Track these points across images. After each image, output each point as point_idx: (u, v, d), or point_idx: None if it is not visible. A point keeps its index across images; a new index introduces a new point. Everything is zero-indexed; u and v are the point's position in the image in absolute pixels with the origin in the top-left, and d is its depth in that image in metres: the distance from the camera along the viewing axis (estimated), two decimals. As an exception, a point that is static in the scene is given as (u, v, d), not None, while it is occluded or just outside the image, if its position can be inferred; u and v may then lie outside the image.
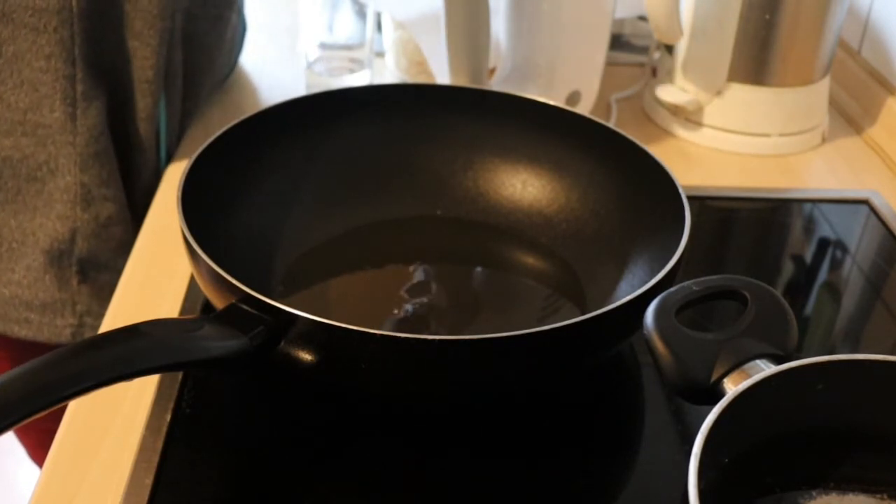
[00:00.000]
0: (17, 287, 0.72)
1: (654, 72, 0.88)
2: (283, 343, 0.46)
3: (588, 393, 0.55)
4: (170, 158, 0.77)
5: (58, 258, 0.71)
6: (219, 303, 0.50)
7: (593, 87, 0.81)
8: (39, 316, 0.73)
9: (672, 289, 0.46)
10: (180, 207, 0.53)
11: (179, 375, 0.54)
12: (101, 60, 0.68)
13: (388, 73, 0.89)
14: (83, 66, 0.66)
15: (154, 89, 0.71)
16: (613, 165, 0.64)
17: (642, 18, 0.97)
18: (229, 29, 0.85)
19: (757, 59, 0.78)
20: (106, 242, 0.71)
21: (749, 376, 0.40)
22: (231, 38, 0.86)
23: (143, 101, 0.71)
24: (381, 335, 0.44)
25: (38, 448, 0.94)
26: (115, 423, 0.52)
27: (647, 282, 0.49)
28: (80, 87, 0.67)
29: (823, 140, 0.84)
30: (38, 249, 0.71)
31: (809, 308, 0.65)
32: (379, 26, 0.90)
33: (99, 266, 0.72)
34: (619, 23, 0.98)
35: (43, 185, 0.69)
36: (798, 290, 0.67)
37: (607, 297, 0.59)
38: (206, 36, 0.80)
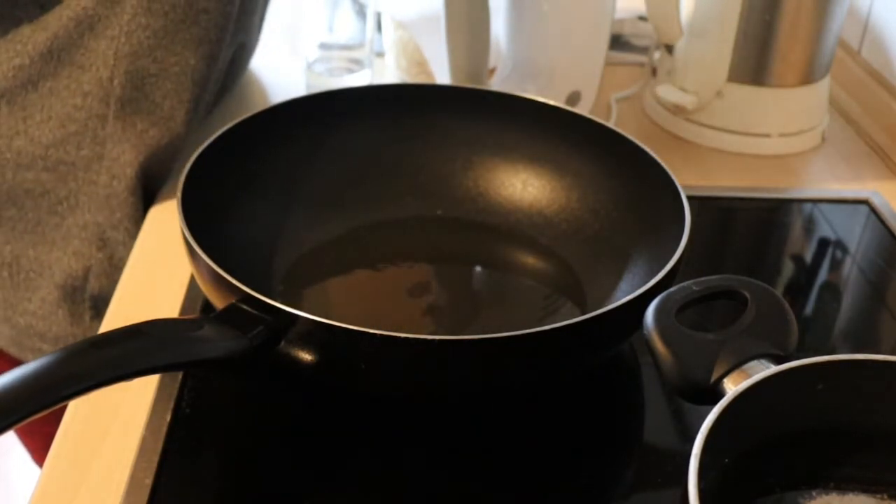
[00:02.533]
0: (31, 317, 0.72)
1: (654, 72, 0.88)
2: (283, 343, 0.46)
3: (588, 393, 0.55)
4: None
5: (71, 294, 0.71)
6: (219, 303, 0.50)
7: (593, 87, 0.81)
8: (52, 347, 0.73)
9: (672, 289, 0.46)
10: (180, 207, 0.53)
11: (179, 375, 0.54)
12: (135, 106, 0.67)
13: (388, 73, 0.89)
14: (116, 107, 0.66)
15: (181, 135, 0.70)
16: (613, 165, 0.64)
17: (642, 18, 0.97)
18: (251, 53, 0.87)
19: (757, 59, 0.78)
20: (116, 284, 0.71)
21: (749, 376, 0.40)
22: (251, 57, 0.89)
23: (171, 146, 0.70)
24: (381, 335, 0.44)
25: (43, 451, 0.94)
26: (115, 423, 0.52)
27: (647, 282, 0.49)
28: (109, 129, 0.67)
29: (823, 140, 0.84)
30: (52, 283, 0.71)
31: (809, 308, 0.65)
32: (379, 26, 0.90)
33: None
34: (619, 23, 0.98)
35: (62, 220, 0.70)
36: (798, 290, 0.67)
37: (607, 297, 0.59)
38: (244, 62, 0.81)
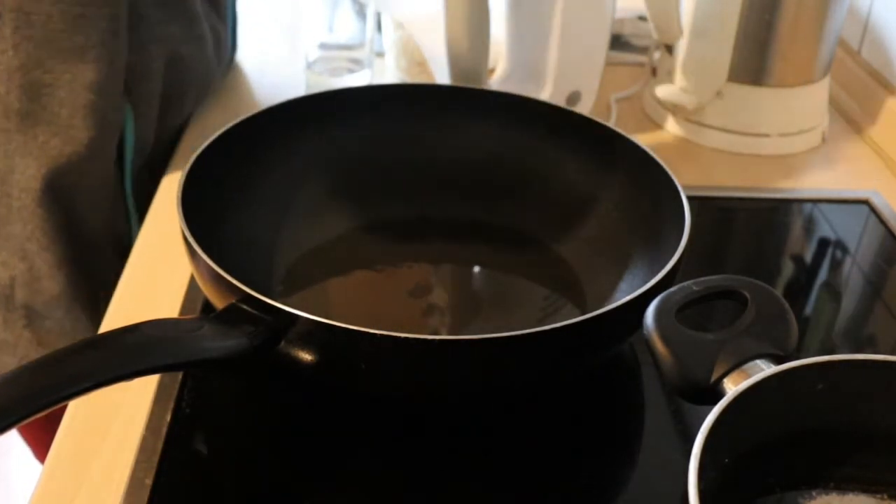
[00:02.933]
0: None
1: (654, 72, 0.88)
2: (283, 343, 0.46)
3: (588, 393, 0.55)
4: (157, 175, 0.77)
5: (4, 302, 0.72)
6: (219, 303, 0.50)
7: (593, 87, 0.81)
8: None
9: (672, 289, 0.46)
10: (180, 207, 0.53)
11: (179, 375, 0.54)
12: (34, 119, 0.67)
13: (388, 73, 0.89)
14: (17, 120, 0.67)
15: (85, 143, 0.69)
16: (613, 165, 0.64)
17: (642, 18, 0.97)
18: (222, 42, 0.85)
19: (757, 59, 0.78)
20: (38, 294, 0.72)
21: (749, 376, 0.40)
22: (223, 47, 0.86)
23: (76, 155, 0.69)
24: (381, 335, 0.44)
25: (45, 450, 0.94)
26: (115, 423, 0.52)
27: (647, 282, 0.49)
28: (14, 143, 0.67)
29: (823, 140, 0.84)
30: None
31: (809, 308, 0.65)
32: (379, 26, 0.90)
33: (40, 314, 0.73)
34: (619, 23, 0.98)
35: None
36: (798, 290, 0.67)
37: (607, 297, 0.59)
38: (192, 59, 0.79)
